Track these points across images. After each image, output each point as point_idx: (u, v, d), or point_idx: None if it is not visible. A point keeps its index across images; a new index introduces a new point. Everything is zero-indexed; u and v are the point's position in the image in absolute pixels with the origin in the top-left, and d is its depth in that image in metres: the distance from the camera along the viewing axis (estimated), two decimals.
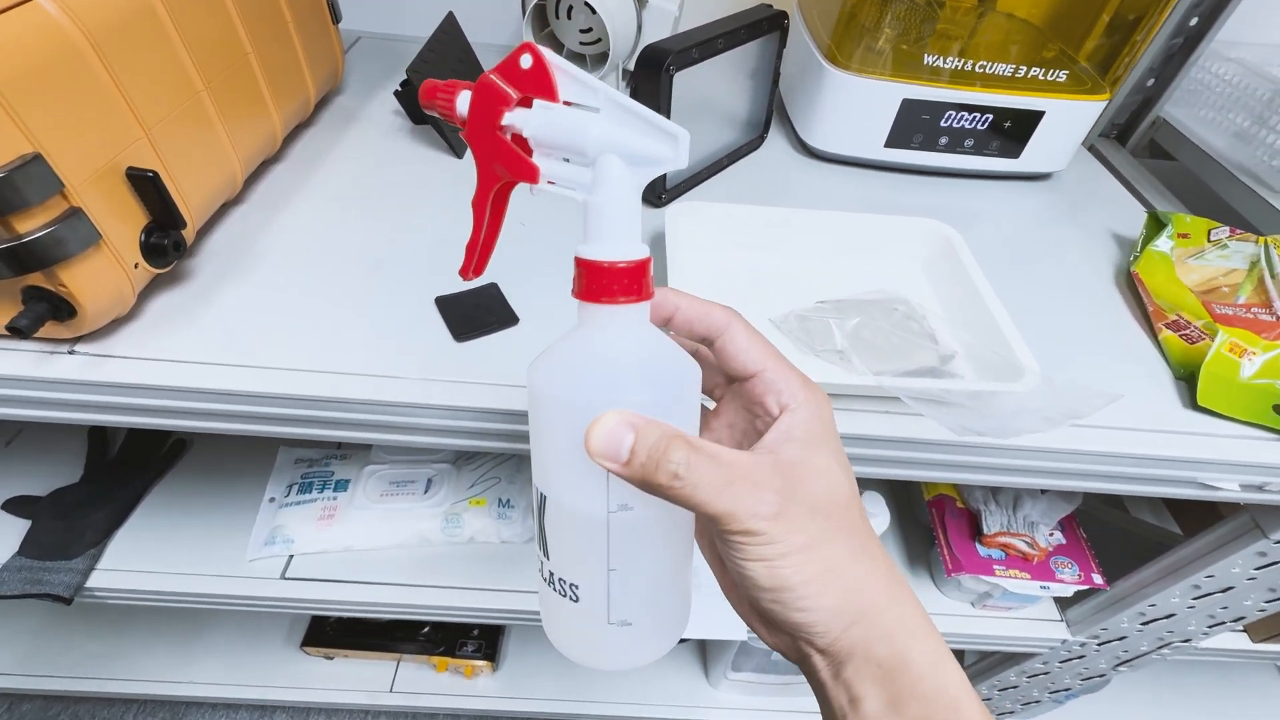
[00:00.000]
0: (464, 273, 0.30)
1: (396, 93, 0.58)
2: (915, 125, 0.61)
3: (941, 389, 0.39)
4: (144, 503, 0.72)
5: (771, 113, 0.65)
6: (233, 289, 0.45)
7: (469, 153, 0.62)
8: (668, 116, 0.52)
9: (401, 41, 0.78)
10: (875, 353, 0.44)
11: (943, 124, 0.61)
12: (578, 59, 0.72)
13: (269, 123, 0.52)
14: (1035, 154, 0.63)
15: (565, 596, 0.26)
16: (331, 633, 0.95)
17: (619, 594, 0.25)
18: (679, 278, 0.45)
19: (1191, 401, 0.45)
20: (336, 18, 0.61)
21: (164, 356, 0.40)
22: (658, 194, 0.56)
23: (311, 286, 0.46)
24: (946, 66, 0.59)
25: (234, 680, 0.95)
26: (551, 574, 0.26)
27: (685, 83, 0.51)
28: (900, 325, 0.46)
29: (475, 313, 0.45)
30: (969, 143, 0.62)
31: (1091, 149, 0.78)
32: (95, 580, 0.65)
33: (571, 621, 0.27)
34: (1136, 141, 0.80)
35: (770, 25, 0.57)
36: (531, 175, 0.25)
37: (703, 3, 0.81)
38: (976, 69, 0.59)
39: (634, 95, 0.50)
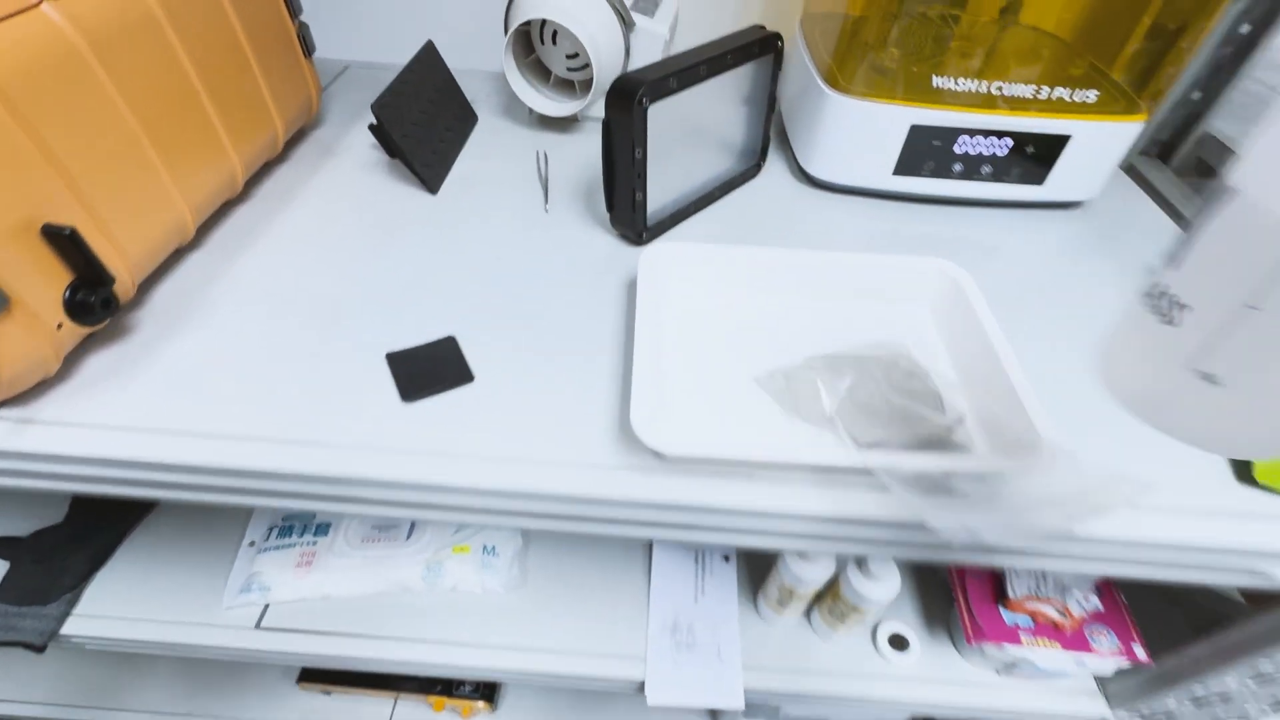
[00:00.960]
0: None
1: (372, 126, 0.55)
2: (926, 152, 0.56)
3: (941, 470, 0.34)
4: (124, 545, 0.70)
5: (768, 140, 0.61)
6: (176, 344, 0.43)
7: (443, 188, 0.59)
8: (643, 151, 0.48)
9: (391, 70, 0.76)
10: (870, 418, 0.39)
11: (956, 150, 0.55)
12: (565, 85, 0.69)
13: (226, 164, 0.49)
14: (1061, 181, 0.57)
15: (1161, 317, 0.20)
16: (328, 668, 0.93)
17: (1236, 333, 0.19)
18: (649, 329, 0.41)
19: (1245, 475, 0.38)
20: (309, 50, 0.59)
21: (91, 421, 0.38)
22: (637, 230, 0.52)
23: (259, 340, 0.43)
24: (960, 89, 0.54)
25: (231, 714, 0.94)
26: (1163, 288, 0.21)
27: (667, 112, 0.47)
28: (901, 385, 0.41)
29: (428, 368, 0.42)
30: (986, 169, 0.57)
31: (1129, 169, 0.71)
32: (70, 627, 0.64)
33: (1145, 356, 0.22)
34: (1181, 160, 0.73)
35: (762, 49, 0.52)
36: None
37: (699, 25, 0.77)
38: (994, 90, 0.54)
39: (606, 130, 0.46)
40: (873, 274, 0.47)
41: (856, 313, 0.47)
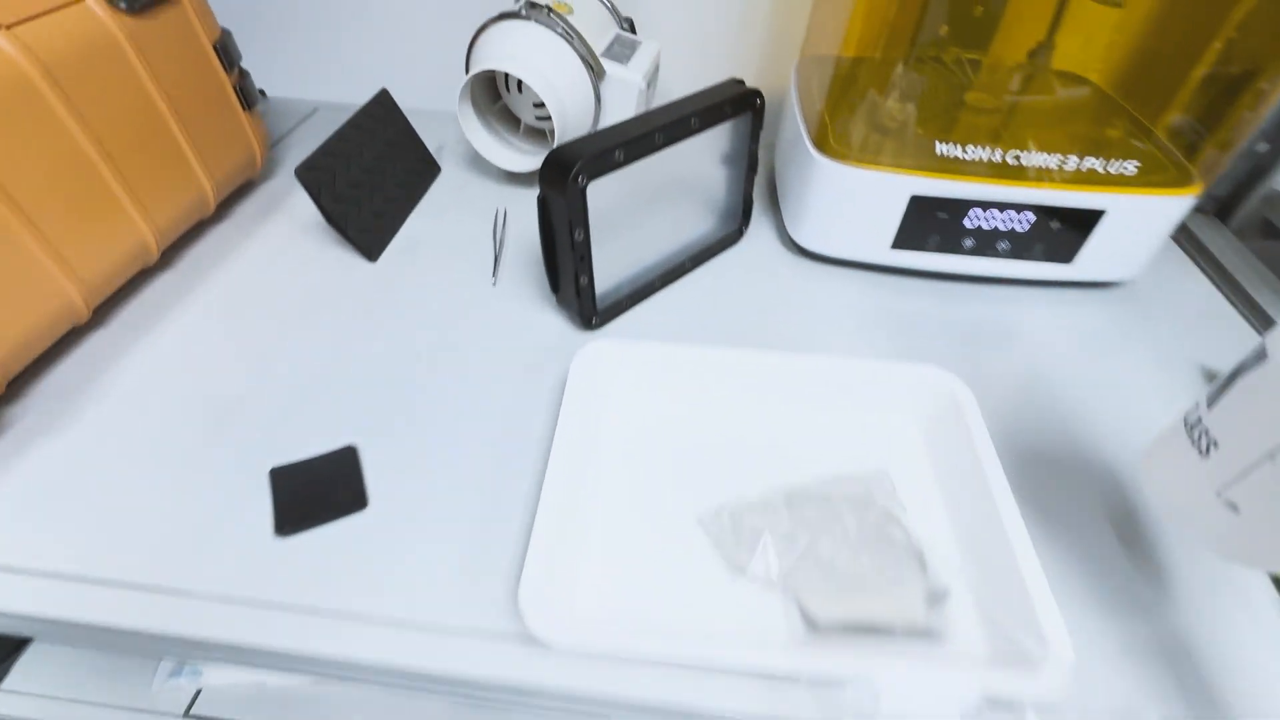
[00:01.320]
0: None
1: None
2: (930, 225, 0.48)
3: (905, 683, 0.26)
4: None
5: (750, 202, 0.54)
6: (41, 450, 0.38)
7: (386, 254, 0.53)
8: (584, 233, 0.41)
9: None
10: (828, 581, 0.31)
11: (967, 224, 0.47)
12: (535, 134, 0.63)
13: (133, 232, 0.45)
14: (1094, 260, 0.48)
15: (1195, 447, 0.26)
16: None
17: (1255, 475, 0.23)
18: (566, 460, 0.34)
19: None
20: (248, 103, 0.54)
21: None
22: (585, 316, 0.45)
23: (138, 446, 0.38)
24: (972, 157, 0.46)
25: None
26: (1199, 421, 0.26)
27: (616, 183, 0.40)
28: (875, 535, 0.33)
29: (317, 490, 0.36)
30: (1003, 246, 0.48)
31: (1182, 228, 0.61)
32: None
33: (1179, 475, 0.27)
34: (1243, 220, 0.63)
35: (736, 108, 0.45)
36: None
37: (684, 71, 0.71)
38: (1009, 158, 0.45)
39: (542, 207, 0.40)
40: (855, 382, 0.40)
41: (833, 426, 0.39)
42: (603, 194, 0.40)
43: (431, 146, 0.65)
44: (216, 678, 0.62)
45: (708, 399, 0.40)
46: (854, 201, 0.48)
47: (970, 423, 0.36)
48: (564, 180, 0.38)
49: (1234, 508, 0.24)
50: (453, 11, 0.70)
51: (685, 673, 0.29)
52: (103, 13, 0.41)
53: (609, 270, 0.45)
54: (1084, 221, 0.46)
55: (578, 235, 0.40)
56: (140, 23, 0.44)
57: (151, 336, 0.45)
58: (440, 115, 0.71)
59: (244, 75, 0.54)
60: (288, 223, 0.56)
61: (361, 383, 0.42)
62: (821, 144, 0.48)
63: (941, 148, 0.46)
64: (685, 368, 0.40)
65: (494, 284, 0.50)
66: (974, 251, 0.49)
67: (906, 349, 0.46)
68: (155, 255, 0.48)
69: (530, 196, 0.60)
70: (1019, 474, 0.37)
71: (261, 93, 0.74)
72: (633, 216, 0.45)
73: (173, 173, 0.48)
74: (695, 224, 0.51)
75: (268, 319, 0.47)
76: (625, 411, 0.40)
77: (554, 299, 0.47)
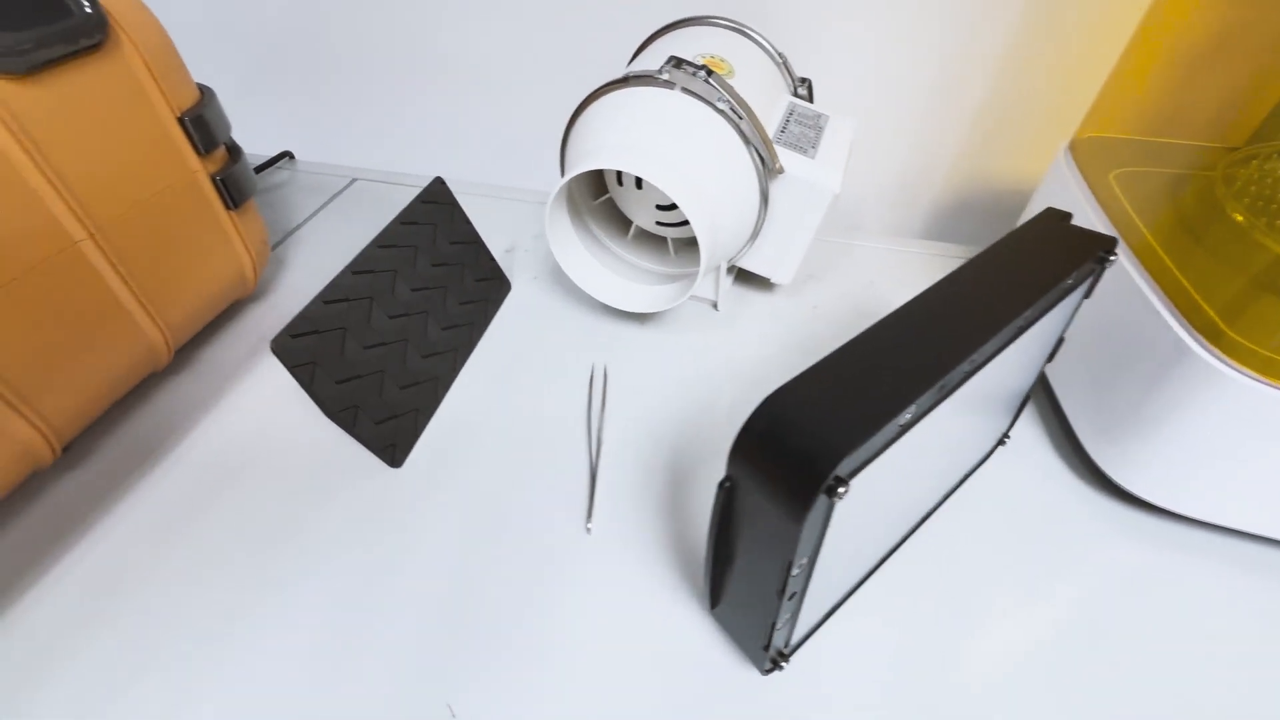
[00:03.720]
0: None
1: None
2: None
3: None
4: None
5: (1025, 403, 0.32)
6: None
7: (411, 459, 0.33)
8: (808, 562, 0.18)
9: (408, 185, 0.53)
10: None
11: None
12: (651, 243, 0.43)
13: (11, 433, 0.26)
14: None
15: None
16: None
17: None
18: None
19: None
20: (236, 199, 0.35)
21: None
22: (768, 658, 0.24)
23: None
24: None
25: None
26: None
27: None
28: None
29: None
30: None
31: None
32: None
33: None
34: None
35: (1081, 275, 0.24)
36: None
37: (878, 159, 0.50)
38: None
39: (723, 509, 0.19)
40: None
41: None
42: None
43: (500, 248, 0.46)
44: None
45: None
46: (1268, 442, 0.26)
47: None
48: (804, 491, 0.16)
49: None
50: (541, 59, 0.51)
51: None
52: None
53: (813, 596, 0.23)
54: None
55: (797, 568, 0.19)
56: (34, 89, 0.25)
57: (25, 605, 0.26)
58: (520, 196, 0.52)
59: (234, 155, 0.36)
60: (267, 383, 0.36)
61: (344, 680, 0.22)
62: (1213, 336, 0.26)
63: None
64: None
65: (589, 531, 0.29)
66: None
67: None
68: (50, 456, 0.29)
69: (644, 340, 0.40)
70: None
71: (289, 156, 0.57)
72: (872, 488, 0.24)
73: (91, 328, 0.29)
74: (944, 459, 0.29)
75: (218, 557, 0.27)
76: None
77: (694, 580, 0.26)
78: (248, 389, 0.36)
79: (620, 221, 0.43)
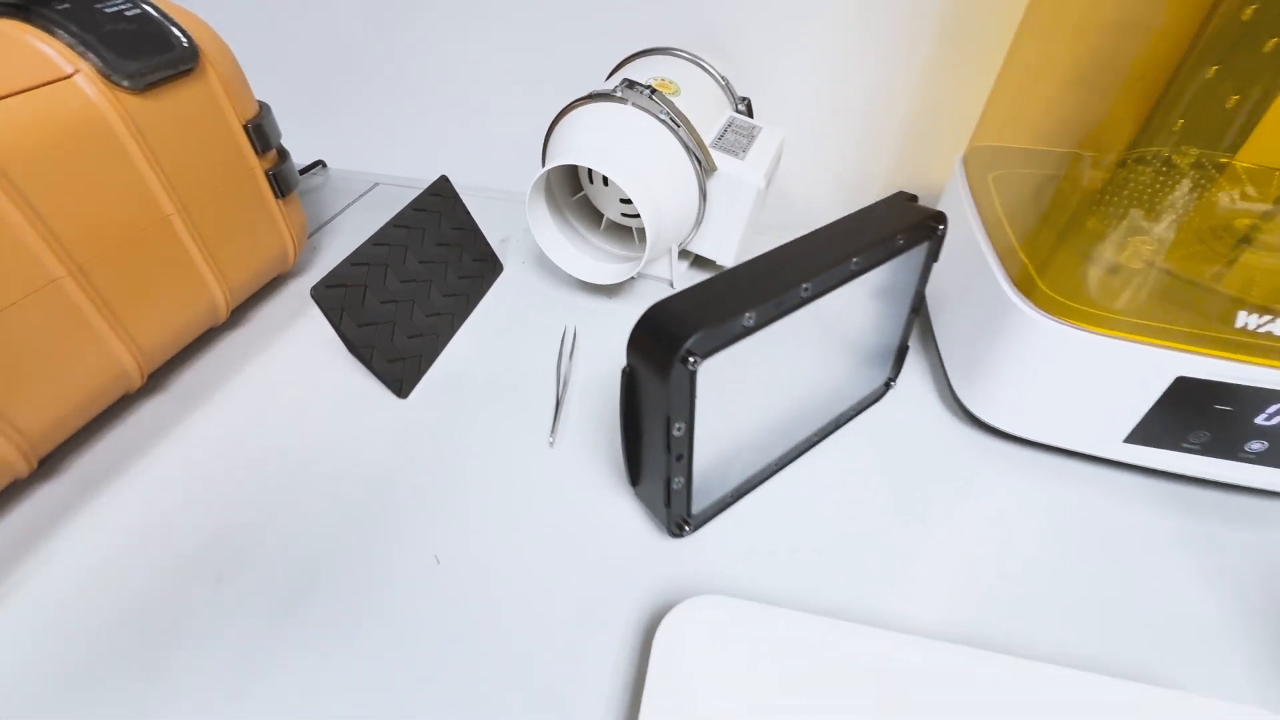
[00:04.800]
0: None
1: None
2: (1197, 418, 0.32)
3: None
4: None
5: (905, 352, 0.39)
6: None
7: (422, 386, 0.42)
8: (685, 426, 0.26)
9: (420, 188, 0.62)
10: None
11: (1263, 421, 0.31)
12: (620, 233, 0.51)
13: (108, 361, 0.35)
14: None
15: None
16: None
17: None
18: None
19: None
20: (283, 190, 0.45)
21: None
22: (674, 522, 0.31)
23: (61, 643, 0.27)
24: (1269, 329, 0.30)
25: None
26: None
27: (733, 355, 0.27)
28: None
29: None
30: None
31: None
32: None
33: None
34: None
35: (911, 238, 0.32)
36: None
37: (809, 161, 0.58)
38: None
39: (627, 384, 0.27)
40: (1070, 703, 0.24)
41: None
42: (708, 378, 0.27)
43: (496, 237, 0.55)
44: None
45: (847, 694, 0.25)
46: (1077, 376, 0.33)
47: None
48: (667, 359, 0.25)
49: None
50: (532, 82, 0.60)
51: None
52: (94, 91, 0.33)
53: (709, 456, 0.31)
54: None
55: (677, 429, 0.27)
56: (146, 102, 0.35)
57: (109, 492, 0.34)
58: (513, 200, 0.61)
59: (282, 156, 0.46)
60: (307, 335, 0.45)
61: (358, 588, 0.30)
62: (1027, 288, 0.33)
63: (1245, 319, 0.30)
64: (819, 648, 0.26)
65: (551, 444, 0.38)
66: (1264, 459, 0.32)
67: (1152, 601, 0.30)
68: (138, 382, 0.38)
69: (611, 310, 0.48)
70: None
71: (322, 164, 0.67)
72: (745, 387, 0.31)
73: (172, 282, 0.38)
74: (827, 387, 0.37)
75: (268, 463, 0.36)
76: (726, 694, 0.25)
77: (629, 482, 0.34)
78: (288, 340, 0.45)
79: (596, 216, 0.51)
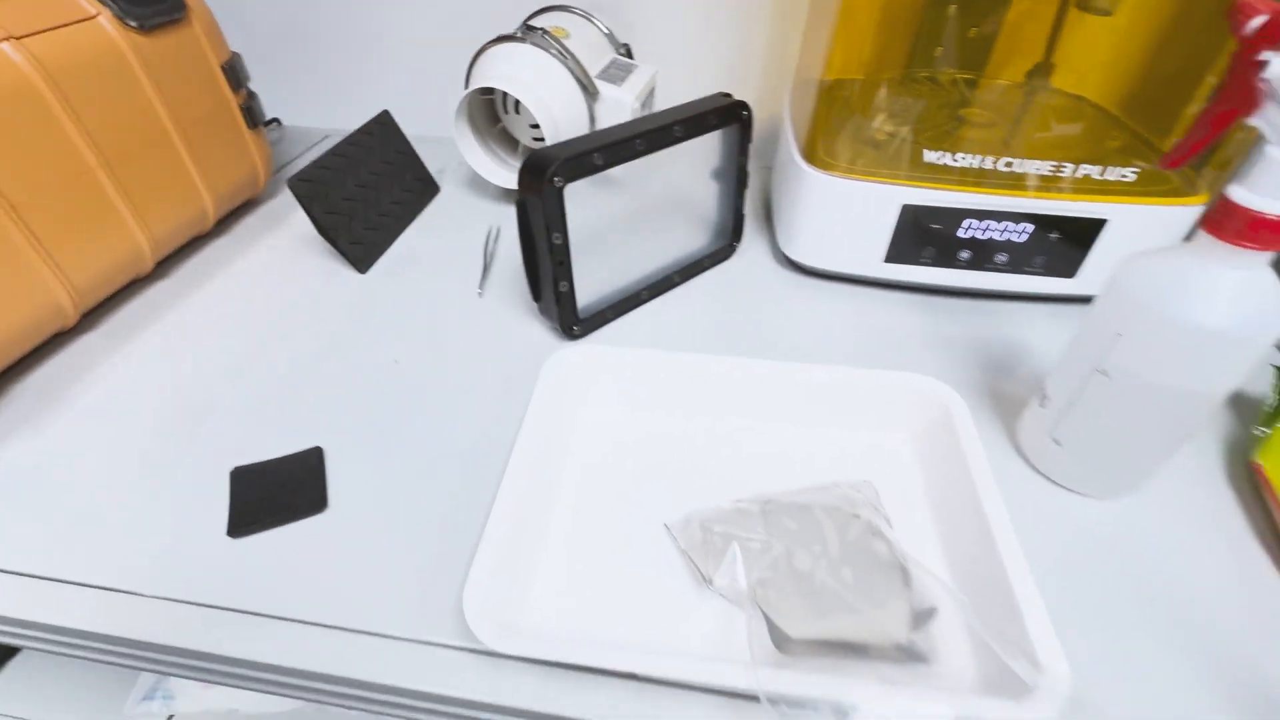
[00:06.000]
0: (1165, 163, 0.35)
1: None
2: (924, 236, 0.47)
3: (879, 705, 0.24)
4: None
5: (741, 218, 0.53)
6: (13, 449, 0.38)
7: (377, 267, 0.54)
8: (562, 236, 0.41)
9: None
10: (804, 596, 0.29)
11: (962, 235, 0.46)
12: None
13: (129, 242, 0.46)
14: (1098, 275, 0.46)
15: (1038, 402, 0.36)
16: None
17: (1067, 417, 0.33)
18: (530, 451, 0.33)
19: None
20: (253, 121, 0.56)
21: None
22: (566, 325, 0.44)
23: (108, 447, 0.38)
24: (962, 164, 0.45)
25: None
26: (1042, 383, 0.36)
27: (598, 189, 0.40)
28: (856, 547, 0.31)
29: (276, 492, 0.35)
30: (1002, 258, 0.47)
31: None
32: None
33: (1030, 424, 0.37)
34: None
35: (723, 118, 0.45)
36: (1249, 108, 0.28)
37: (681, 93, 0.72)
38: (1003, 166, 0.44)
39: (519, 211, 0.39)
40: (842, 390, 0.38)
41: (817, 441, 0.38)
42: (587, 204, 0.40)
43: (433, 169, 0.67)
44: (188, 704, 0.60)
45: (685, 408, 0.39)
46: (844, 213, 0.48)
47: (962, 434, 0.34)
48: (540, 182, 0.37)
49: (1058, 443, 0.35)
50: (459, 41, 0.72)
51: (643, 687, 0.27)
52: (113, 30, 0.43)
53: (592, 281, 0.44)
54: (1085, 232, 0.45)
55: (555, 239, 0.40)
56: (150, 40, 0.46)
57: (133, 345, 0.45)
58: (447, 141, 0.72)
59: (251, 96, 0.56)
60: (285, 238, 0.56)
61: (338, 389, 0.42)
62: (810, 156, 0.48)
63: (930, 155, 0.45)
64: (661, 374, 0.39)
65: (480, 295, 0.50)
66: (971, 265, 0.47)
67: (899, 365, 0.44)
68: (150, 265, 0.48)
69: None
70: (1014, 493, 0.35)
71: (277, 121, 0.77)
72: (619, 230, 0.45)
73: (173, 186, 0.49)
74: (685, 239, 0.51)
75: (253, 327, 0.47)
76: (597, 419, 0.38)
77: (537, 309, 0.47)
78: (265, 244, 0.56)
79: (513, 144, 0.64)
